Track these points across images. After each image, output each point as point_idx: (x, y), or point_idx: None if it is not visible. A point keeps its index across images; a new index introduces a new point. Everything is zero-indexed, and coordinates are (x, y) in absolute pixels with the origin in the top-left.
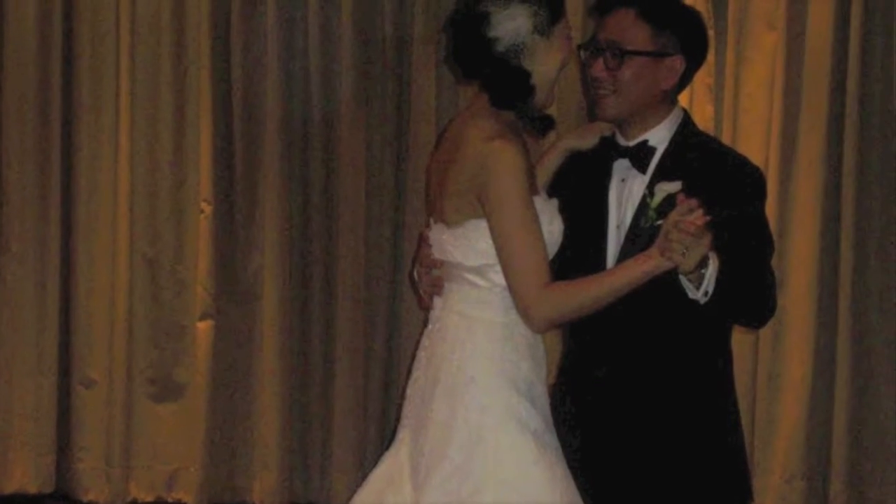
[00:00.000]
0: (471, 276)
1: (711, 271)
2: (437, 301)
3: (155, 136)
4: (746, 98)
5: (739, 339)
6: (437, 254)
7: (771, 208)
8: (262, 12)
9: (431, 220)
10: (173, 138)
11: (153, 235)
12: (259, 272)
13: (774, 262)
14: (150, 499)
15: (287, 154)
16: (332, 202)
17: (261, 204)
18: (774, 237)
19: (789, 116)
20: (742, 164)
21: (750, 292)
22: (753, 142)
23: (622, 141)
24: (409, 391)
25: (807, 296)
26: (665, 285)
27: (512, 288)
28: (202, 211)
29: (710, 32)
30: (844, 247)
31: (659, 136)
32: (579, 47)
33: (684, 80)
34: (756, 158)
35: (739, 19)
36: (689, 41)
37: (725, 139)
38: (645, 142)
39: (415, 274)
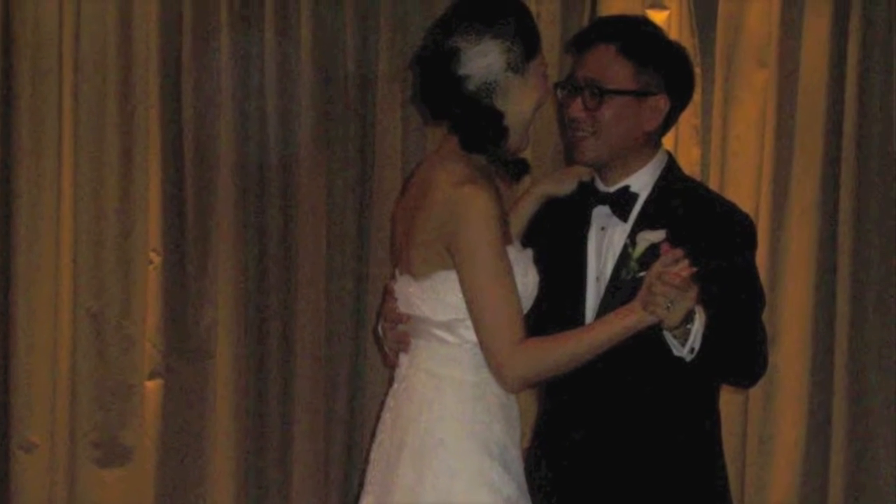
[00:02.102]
0: (439, 332)
1: (698, 326)
2: (404, 358)
3: (100, 181)
4: (735, 140)
5: (728, 398)
6: (403, 307)
7: (762, 259)
8: (215, 48)
9: (397, 272)
10: (120, 184)
11: (98, 288)
12: (212, 328)
13: (766, 316)
14: None
15: (242, 201)
16: (291, 252)
17: (214, 254)
18: (766, 290)
19: (781, 160)
20: (731, 211)
21: (739, 349)
22: (743, 187)
23: (602, 186)
24: (373, 455)
25: (800, 353)
26: (648, 341)
27: (483, 344)
28: (151, 262)
29: (697, 70)
30: (840, 300)
31: (641, 182)
32: (556, 86)
33: (669, 121)
34: (746, 205)
35: (728, 56)
36: (674, 79)
37: (713, 185)
38: (626, 187)
39: (379, 329)
